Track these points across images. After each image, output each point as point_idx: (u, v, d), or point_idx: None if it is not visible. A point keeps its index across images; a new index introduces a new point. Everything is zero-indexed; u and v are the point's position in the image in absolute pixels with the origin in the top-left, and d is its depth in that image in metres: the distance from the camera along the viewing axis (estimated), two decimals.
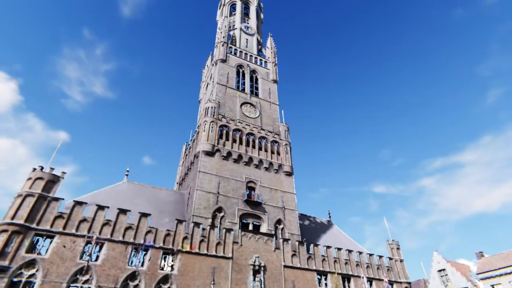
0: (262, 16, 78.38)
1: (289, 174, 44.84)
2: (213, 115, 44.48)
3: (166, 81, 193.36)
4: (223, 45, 57.34)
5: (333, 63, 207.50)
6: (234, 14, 72.65)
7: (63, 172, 29.91)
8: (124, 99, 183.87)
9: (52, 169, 29.29)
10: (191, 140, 50.33)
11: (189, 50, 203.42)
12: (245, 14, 74.27)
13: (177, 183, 50.74)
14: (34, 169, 28.88)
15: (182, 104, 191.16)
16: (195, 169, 40.40)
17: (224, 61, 55.09)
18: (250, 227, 37.63)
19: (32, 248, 25.65)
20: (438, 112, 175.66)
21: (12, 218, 25.69)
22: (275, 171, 44.22)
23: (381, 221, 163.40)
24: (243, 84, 55.39)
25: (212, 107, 45.31)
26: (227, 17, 68.58)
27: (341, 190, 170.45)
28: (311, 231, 44.91)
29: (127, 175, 39.92)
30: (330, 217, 51.26)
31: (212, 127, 43.06)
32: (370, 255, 41.84)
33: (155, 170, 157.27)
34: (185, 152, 54.29)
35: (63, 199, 28.65)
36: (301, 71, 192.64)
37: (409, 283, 41.30)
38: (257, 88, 56.58)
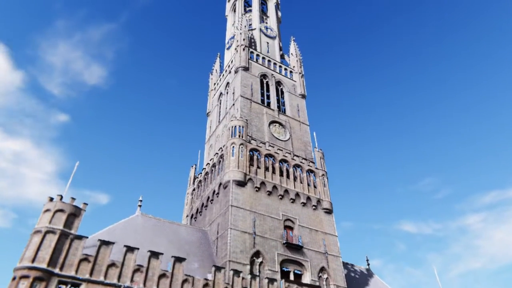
0: (280, 14, 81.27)
1: (329, 211, 46.55)
2: (241, 136, 45.82)
3: (156, 85, 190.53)
4: (244, 49, 59.36)
5: (363, 69, 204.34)
6: (250, 10, 75.14)
7: (85, 204, 30.24)
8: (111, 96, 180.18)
9: (73, 199, 29.59)
10: (207, 164, 51.23)
11: (186, 49, 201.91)
12: (262, 11, 76.90)
13: (187, 216, 51.18)
14: (51, 199, 29.10)
15: (178, 115, 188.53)
16: (223, 202, 41.35)
17: (246, 69, 56.98)
18: (291, 276, 38.72)
19: None
20: (504, 135, 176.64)
21: (33, 260, 25.78)
22: (313, 207, 45.81)
23: (405, 267, 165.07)
24: (268, 98, 57.34)
25: (239, 126, 46.70)
26: (244, 14, 71.14)
27: (365, 227, 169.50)
28: (352, 281, 46.41)
29: (140, 206, 40.29)
30: (368, 264, 53.06)
31: (241, 151, 44.35)
32: None
33: (148, 194, 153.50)
34: (195, 177, 55.00)
35: (87, 237, 28.94)
36: (318, 81, 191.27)
37: None
38: (283, 104, 58.66)
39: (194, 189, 53.19)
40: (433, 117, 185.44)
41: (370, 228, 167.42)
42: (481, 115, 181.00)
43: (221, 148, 48.11)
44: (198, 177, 53.43)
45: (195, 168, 56.75)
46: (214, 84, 68.63)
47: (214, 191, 44.97)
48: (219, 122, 58.98)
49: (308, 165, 49.70)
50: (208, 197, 46.21)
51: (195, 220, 48.34)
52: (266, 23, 73.79)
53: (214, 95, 66.23)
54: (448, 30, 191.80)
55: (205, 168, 51.88)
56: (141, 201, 40.66)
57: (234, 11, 78.16)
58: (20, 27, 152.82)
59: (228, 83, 60.61)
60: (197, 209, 48.79)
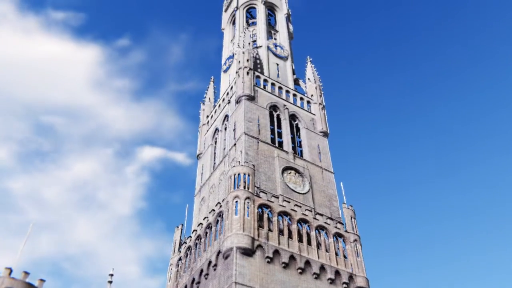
0: (291, 29, 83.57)
1: None
2: (247, 188, 45.60)
3: None
4: (248, 72, 60.46)
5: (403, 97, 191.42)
6: (253, 23, 77.42)
7: (41, 280, 29.45)
8: None
9: (26, 273, 28.86)
10: (200, 224, 50.81)
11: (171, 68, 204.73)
12: (269, 24, 78.99)
13: None
14: None
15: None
16: (223, 278, 40.44)
17: (252, 98, 57.80)
18: None
19: None
20: None
21: None
22: (345, 285, 44.86)
23: None
24: (280, 136, 57.97)
25: (244, 174, 46.57)
26: (246, 28, 73.21)
27: None
28: None
29: (110, 281, 39.37)
30: None
31: (248, 208, 43.97)
32: None
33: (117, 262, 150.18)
34: (181, 242, 54.29)
35: None
36: (342, 113, 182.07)
37: None
38: (300, 144, 59.16)
39: (180, 259, 52.36)
40: None
41: None
42: None
43: (219, 203, 47.89)
44: (186, 242, 52.74)
45: (182, 229, 56.16)
46: (207, 117, 69.57)
47: (210, 262, 44.18)
48: (214, 167, 59.16)
49: (335, 227, 49.23)
50: (202, 271, 45.35)
51: None
52: (275, 39, 75.84)
53: (207, 131, 66.94)
54: None
55: (196, 230, 51.37)
56: (111, 275, 39.76)
57: (233, 23, 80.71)
58: None
59: (226, 116, 61.43)
60: (186, 287, 47.75)
